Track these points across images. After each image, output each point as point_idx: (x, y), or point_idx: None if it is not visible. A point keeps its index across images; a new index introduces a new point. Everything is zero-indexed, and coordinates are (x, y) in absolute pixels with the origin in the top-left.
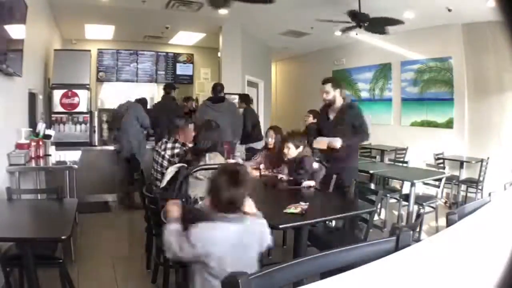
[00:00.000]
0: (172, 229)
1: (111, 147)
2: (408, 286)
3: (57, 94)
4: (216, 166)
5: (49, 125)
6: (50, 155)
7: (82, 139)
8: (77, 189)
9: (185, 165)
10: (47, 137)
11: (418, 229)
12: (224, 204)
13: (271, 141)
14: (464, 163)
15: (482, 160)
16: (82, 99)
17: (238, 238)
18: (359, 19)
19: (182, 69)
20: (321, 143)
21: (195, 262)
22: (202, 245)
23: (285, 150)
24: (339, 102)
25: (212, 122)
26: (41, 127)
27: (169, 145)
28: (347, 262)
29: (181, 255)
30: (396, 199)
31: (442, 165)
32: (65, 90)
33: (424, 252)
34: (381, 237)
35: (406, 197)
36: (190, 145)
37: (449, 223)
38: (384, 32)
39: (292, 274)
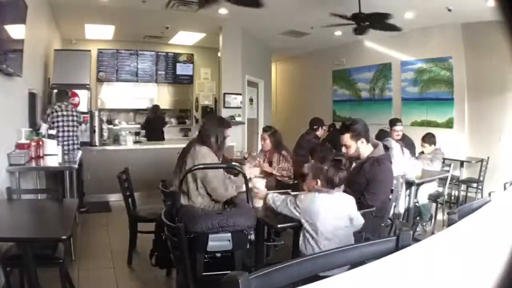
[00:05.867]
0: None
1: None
2: (408, 286)
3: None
4: (217, 166)
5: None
6: (56, 154)
7: (82, 139)
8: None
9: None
10: (51, 136)
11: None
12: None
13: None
14: (464, 163)
15: (482, 160)
16: (82, 99)
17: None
18: (359, 19)
19: (182, 69)
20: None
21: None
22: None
23: None
24: (365, 153)
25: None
26: (43, 127)
27: None
28: (347, 262)
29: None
30: None
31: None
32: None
33: (424, 252)
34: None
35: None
36: None
37: (449, 223)
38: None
39: (292, 274)
